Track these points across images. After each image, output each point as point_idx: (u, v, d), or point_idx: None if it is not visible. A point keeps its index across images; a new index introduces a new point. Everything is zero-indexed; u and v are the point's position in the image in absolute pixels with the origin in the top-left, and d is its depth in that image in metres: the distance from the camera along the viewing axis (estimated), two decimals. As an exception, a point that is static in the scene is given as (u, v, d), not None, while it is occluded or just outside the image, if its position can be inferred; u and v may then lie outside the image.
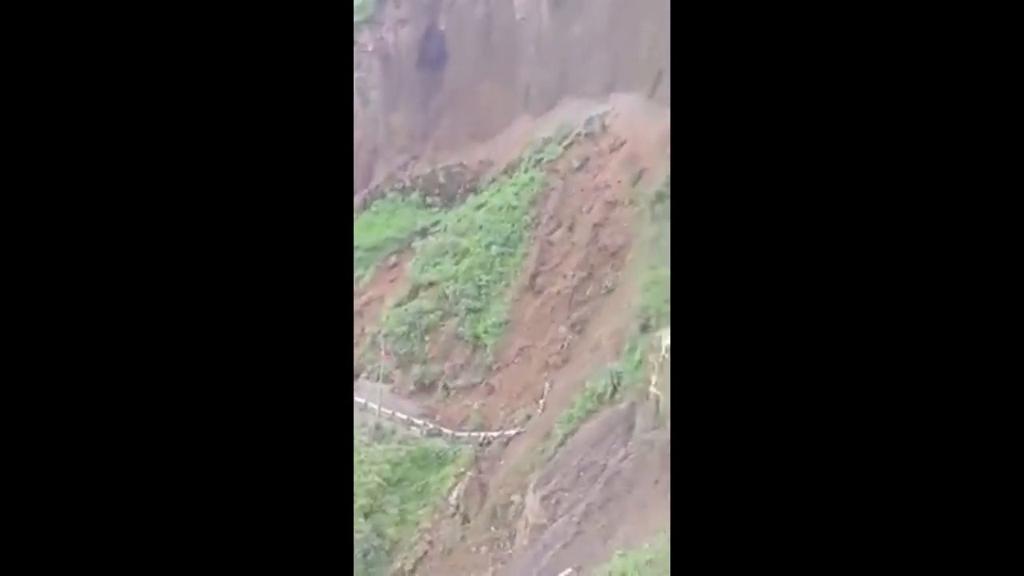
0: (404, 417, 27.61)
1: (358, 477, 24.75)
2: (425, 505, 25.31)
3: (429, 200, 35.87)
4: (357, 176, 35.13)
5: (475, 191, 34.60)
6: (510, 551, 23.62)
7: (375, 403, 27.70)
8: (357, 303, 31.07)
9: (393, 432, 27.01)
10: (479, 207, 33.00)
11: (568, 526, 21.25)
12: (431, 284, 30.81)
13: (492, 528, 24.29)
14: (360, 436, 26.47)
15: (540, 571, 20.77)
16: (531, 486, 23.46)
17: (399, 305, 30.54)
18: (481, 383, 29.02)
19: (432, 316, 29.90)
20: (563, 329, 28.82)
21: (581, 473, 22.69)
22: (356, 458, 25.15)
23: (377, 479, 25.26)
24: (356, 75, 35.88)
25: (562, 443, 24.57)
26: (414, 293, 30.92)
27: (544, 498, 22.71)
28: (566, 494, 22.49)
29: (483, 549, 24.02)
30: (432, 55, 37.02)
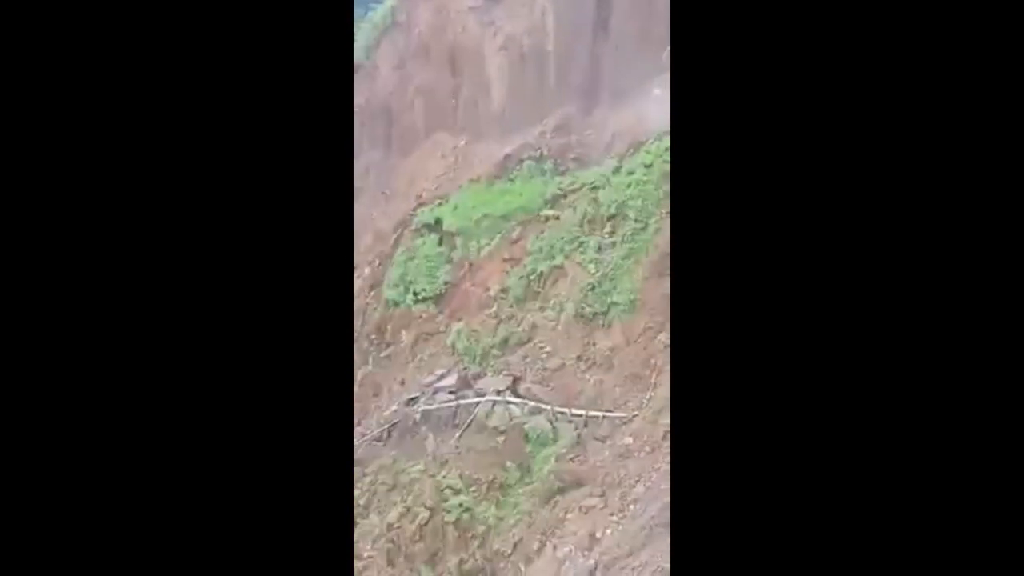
0: (498, 397, 26.93)
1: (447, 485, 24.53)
2: (527, 483, 24.77)
3: (563, 167, 34.72)
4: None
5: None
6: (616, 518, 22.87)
7: (470, 395, 27.30)
8: (475, 278, 30.81)
9: (487, 416, 26.46)
10: (615, 171, 31.66)
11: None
12: (555, 259, 30.03)
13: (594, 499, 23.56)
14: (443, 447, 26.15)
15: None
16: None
17: (515, 274, 29.96)
18: (596, 361, 28.06)
19: (548, 289, 29.24)
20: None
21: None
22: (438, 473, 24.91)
23: (468, 495, 24.76)
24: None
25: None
26: (534, 264, 30.25)
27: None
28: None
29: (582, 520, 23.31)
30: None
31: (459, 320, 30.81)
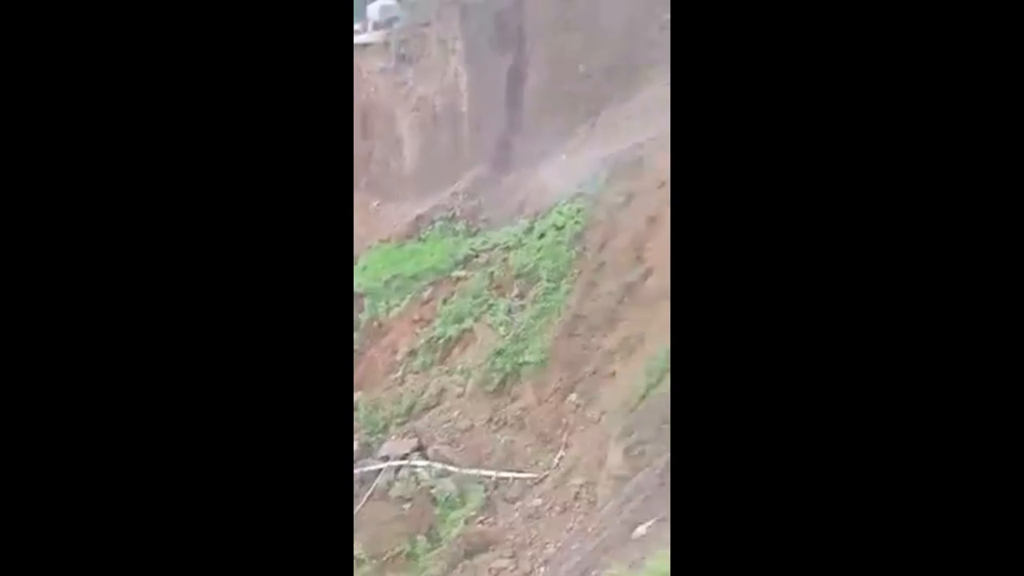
0: (403, 461, 26.15)
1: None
2: (431, 548, 24.09)
3: (474, 228, 34.52)
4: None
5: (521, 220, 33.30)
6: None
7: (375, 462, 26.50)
8: (386, 339, 30.29)
9: (389, 485, 25.63)
10: (527, 232, 31.68)
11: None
12: (463, 323, 29.75)
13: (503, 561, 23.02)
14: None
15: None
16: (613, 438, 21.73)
17: (424, 336, 29.61)
18: (507, 422, 27.79)
19: (456, 354, 28.96)
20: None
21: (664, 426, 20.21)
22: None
23: (370, 566, 23.66)
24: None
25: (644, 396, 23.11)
26: (443, 328, 29.94)
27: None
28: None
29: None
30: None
31: (360, 390, 30.03)
